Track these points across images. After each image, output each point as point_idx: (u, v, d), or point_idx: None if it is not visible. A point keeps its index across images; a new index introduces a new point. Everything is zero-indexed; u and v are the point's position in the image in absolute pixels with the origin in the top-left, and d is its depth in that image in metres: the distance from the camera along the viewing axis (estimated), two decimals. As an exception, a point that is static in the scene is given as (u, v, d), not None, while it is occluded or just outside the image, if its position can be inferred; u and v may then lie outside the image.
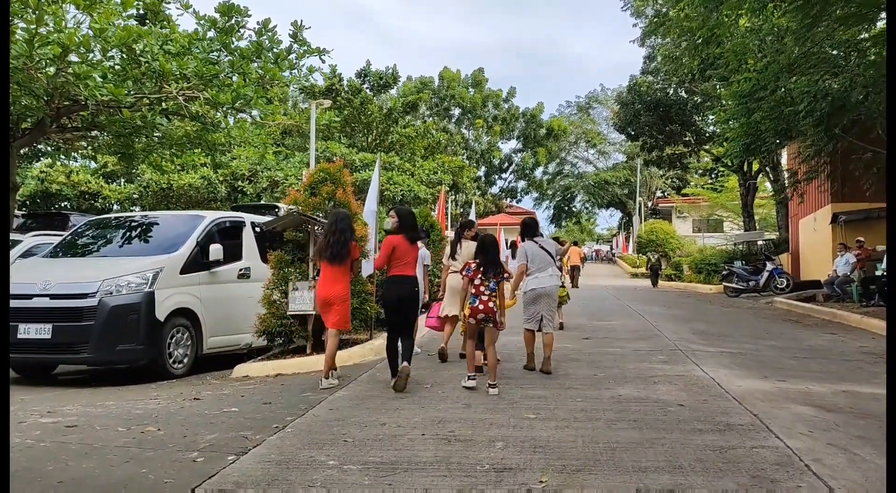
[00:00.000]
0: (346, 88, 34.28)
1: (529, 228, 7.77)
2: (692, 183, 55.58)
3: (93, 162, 31.21)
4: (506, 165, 61.19)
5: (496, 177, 61.09)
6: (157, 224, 9.96)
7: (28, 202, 31.35)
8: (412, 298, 6.79)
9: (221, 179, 30.96)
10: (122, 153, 17.19)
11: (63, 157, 22.51)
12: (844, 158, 17.32)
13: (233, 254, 9.71)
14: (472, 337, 6.74)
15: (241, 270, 9.79)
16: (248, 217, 10.40)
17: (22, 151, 25.01)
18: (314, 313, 8.45)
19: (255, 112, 17.41)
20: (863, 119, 14.73)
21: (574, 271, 27.03)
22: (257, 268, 9.73)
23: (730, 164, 30.43)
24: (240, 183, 31.01)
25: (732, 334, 10.53)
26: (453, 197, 41.21)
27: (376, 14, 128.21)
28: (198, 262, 8.98)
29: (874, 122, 14.77)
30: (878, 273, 14.86)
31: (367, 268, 9.62)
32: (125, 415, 5.64)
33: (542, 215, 67.17)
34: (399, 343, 6.65)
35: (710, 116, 26.89)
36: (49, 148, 20.38)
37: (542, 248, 7.53)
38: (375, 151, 34.74)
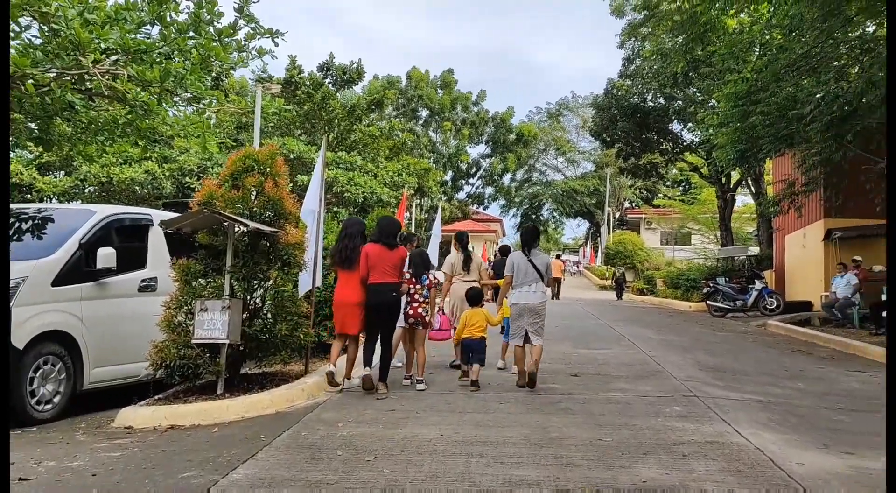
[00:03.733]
0: (307, 82, 32.10)
1: (523, 238, 7.69)
2: (661, 194, 54.50)
3: (27, 152, 28.66)
4: (473, 170, 59.39)
5: (463, 182, 59.26)
6: (41, 220, 7.82)
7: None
8: (390, 304, 7.01)
9: (168, 174, 28.62)
10: (39, 139, 14.96)
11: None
12: (838, 169, 15.85)
13: (134, 261, 7.70)
14: (410, 341, 7.44)
15: (143, 280, 7.75)
16: (157, 214, 8.36)
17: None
18: (228, 341, 6.48)
19: (192, 96, 15.29)
20: (874, 126, 13.20)
21: (555, 284, 26.54)
22: (168, 279, 7.65)
23: (707, 174, 29.07)
24: (188, 179, 28.68)
25: (746, 371, 8.79)
26: (418, 201, 39.26)
27: (343, 13, 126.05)
28: (79, 270, 6.92)
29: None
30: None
31: (303, 283, 7.68)
32: None
33: (509, 224, 65.52)
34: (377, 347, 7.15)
35: (692, 123, 25.42)
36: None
37: (530, 262, 7.26)
38: (337, 150, 32.65)
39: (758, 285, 18.40)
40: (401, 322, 7.37)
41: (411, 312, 7.22)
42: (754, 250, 26.01)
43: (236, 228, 6.89)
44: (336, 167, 29.73)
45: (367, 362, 7.17)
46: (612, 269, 39.16)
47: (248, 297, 7.09)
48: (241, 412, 6.11)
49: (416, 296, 7.25)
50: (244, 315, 7.02)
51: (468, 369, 7.28)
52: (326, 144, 8.16)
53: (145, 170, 28.10)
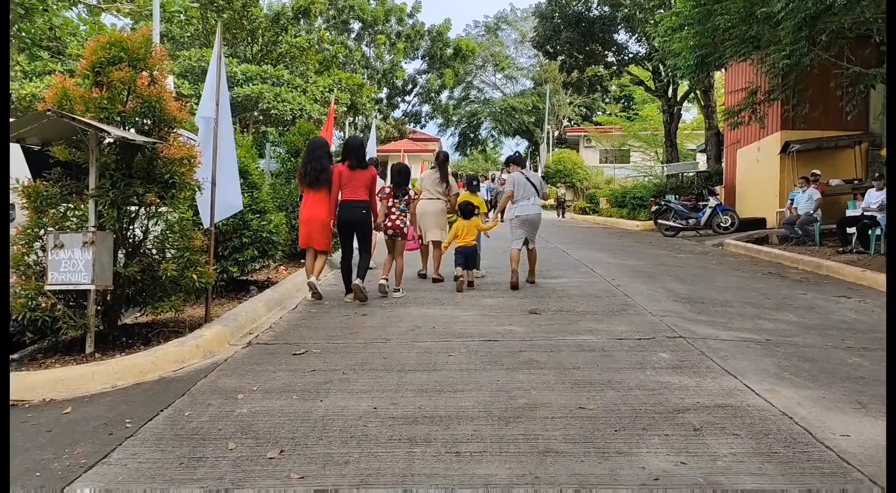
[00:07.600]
0: (224, -14, 29.09)
1: (515, 161, 8.74)
2: (601, 111, 53.43)
3: None
4: (409, 87, 56.93)
5: (399, 99, 56.81)
6: None
7: None
8: (362, 221, 7.51)
9: (72, 89, 25.77)
10: None
11: None
12: (805, 75, 14.78)
13: (-23, 184, 5.96)
14: (390, 251, 7.92)
15: (-7, 209, 6.06)
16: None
17: None
18: (93, 287, 4.96)
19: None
20: (847, 27, 12.05)
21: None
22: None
23: (653, 88, 27.90)
24: (94, 95, 25.91)
25: (725, 300, 7.74)
26: (351, 119, 37.11)
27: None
28: None
29: (860, 29, 12.15)
30: (853, 212, 12.58)
31: (202, 212, 6.17)
32: None
33: (447, 143, 63.72)
34: (354, 263, 7.70)
35: (641, 31, 23.95)
36: None
37: (527, 179, 8.28)
38: (262, 64, 30.10)
39: (712, 201, 17.56)
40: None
41: (390, 224, 7.74)
42: (702, 165, 25.24)
43: (101, 140, 5.25)
44: (262, 82, 27.41)
45: (348, 288, 7.68)
46: (554, 189, 38.21)
47: (125, 228, 5.52)
48: (112, 380, 4.66)
49: (394, 209, 7.75)
50: (121, 252, 5.50)
51: (462, 274, 8.17)
52: (221, 31, 6.40)
53: (48, 84, 25.22)
